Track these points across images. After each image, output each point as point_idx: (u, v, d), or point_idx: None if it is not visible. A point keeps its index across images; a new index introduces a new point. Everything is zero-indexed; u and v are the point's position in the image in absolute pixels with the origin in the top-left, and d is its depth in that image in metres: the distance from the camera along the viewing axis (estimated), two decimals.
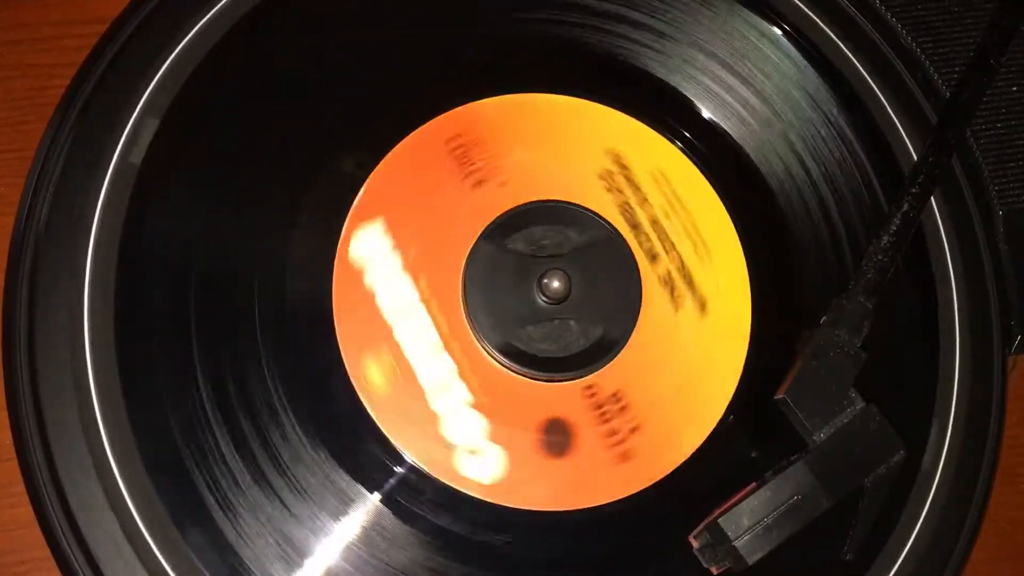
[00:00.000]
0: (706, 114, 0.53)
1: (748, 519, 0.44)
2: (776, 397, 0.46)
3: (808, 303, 0.52)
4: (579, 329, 0.50)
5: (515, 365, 0.49)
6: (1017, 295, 0.54)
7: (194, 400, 0.45)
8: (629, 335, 0.50)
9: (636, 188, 0.52)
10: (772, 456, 0.47)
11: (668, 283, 0.51)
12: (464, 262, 0.49)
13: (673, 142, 0.53)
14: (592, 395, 0.49)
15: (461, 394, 0.48)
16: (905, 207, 0.49)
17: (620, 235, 0.51)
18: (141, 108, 0.48)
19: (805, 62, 0.54)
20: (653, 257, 0.51)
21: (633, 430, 0.49)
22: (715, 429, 0.50)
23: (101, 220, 0.46)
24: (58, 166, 0.47)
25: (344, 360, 0.48)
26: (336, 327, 0.48)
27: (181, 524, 0.44)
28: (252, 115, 0.50)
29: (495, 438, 0.48)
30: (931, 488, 0.50)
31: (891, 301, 0.51)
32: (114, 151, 0.47)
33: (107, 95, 0.48)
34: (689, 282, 0.51)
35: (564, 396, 0.49)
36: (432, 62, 0.52)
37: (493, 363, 0.49)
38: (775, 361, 0.49)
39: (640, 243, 0.51)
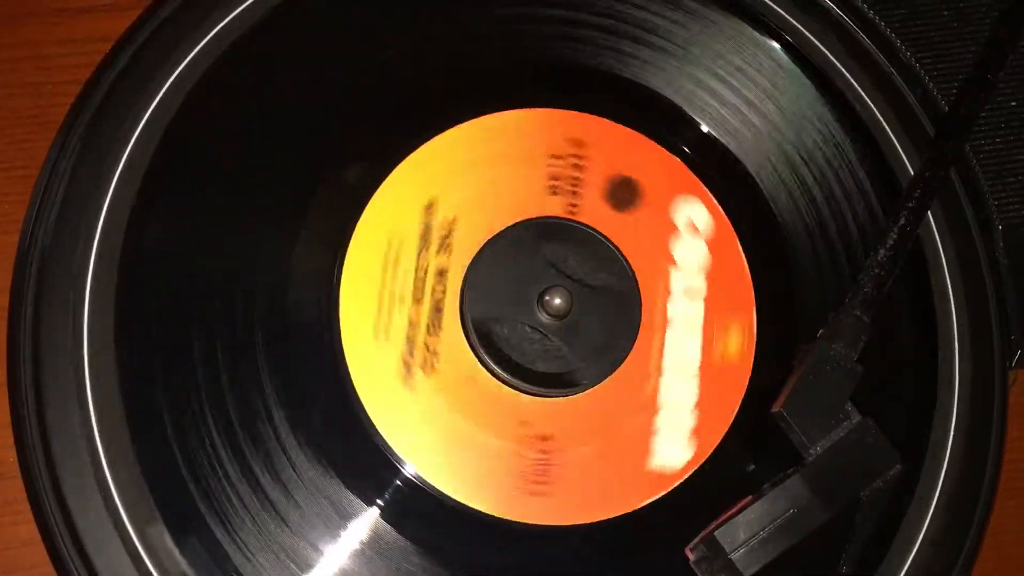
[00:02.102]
0: (705, 128, 0.54)
1: (745, 532, 0.44)
2: (773, 410, 0.47)
3: (807, 316, 0.52)
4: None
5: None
6: (1017, 309, 0.54)
7: (198, 423, 0.46)
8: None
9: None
10: (770, 469, 0.47)
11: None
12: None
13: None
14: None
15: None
16: (902, 221, 0.49)
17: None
18: (144, 125, 0.48)
19: (803, 76, 0.54)
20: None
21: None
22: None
23: (104, 237, 0.47)
24: (62, 184, 0.47)
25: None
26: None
27: (183, 543, 0.44)
28: (254, 131, 0.50)
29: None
30: (931, 502, 0.50)
31: (890, 315, 0.51)
32: (117, 168, 0.47)
33: (111, 113, 0.48)
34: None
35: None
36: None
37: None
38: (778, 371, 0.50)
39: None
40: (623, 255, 0.51)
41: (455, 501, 0.47)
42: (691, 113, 0.54)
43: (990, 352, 0.53)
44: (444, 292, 0.49)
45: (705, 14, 0.54)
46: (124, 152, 0.48)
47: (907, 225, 0.49)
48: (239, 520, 0.45)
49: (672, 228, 0.52)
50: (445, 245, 0.50)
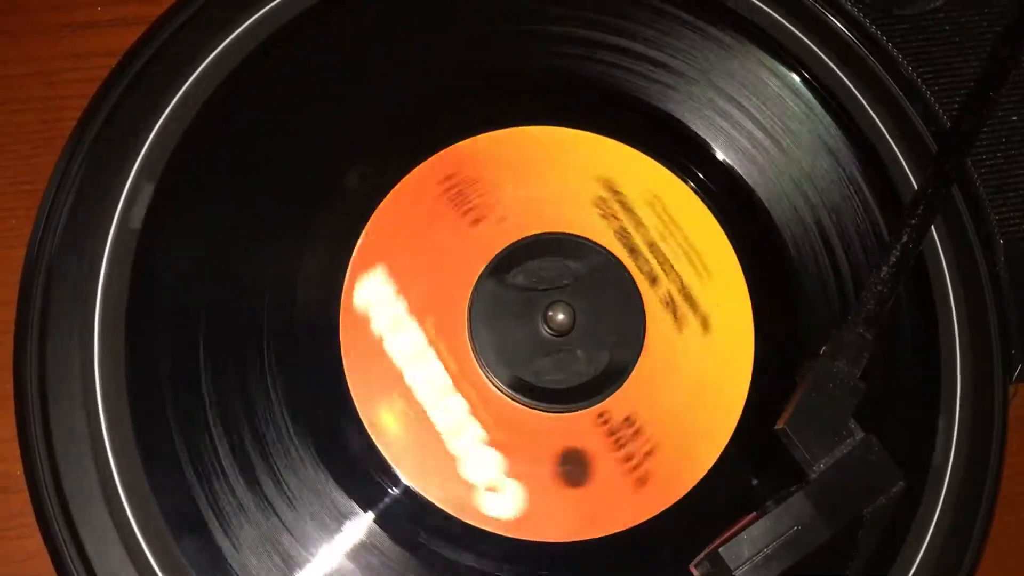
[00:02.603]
0: (700, 133, 0.54)
1: (748, 549, 0.44)
2: (776, 428, 0.47)
3: (809, 333, 0.52)
4: (586, 358, 0.50)
5: (526, 399, 0.49)
6: (1018, 324, 0.54)
7: (208, 443, 0.46)
8: (636, 359, 0.50)
9: (631, 212, 0.52)
10: (772, 483, 0.47)
11: (670, 304, 0.51)
12: (468, 301, 0.50)
13: (671, 167, 0.53)
14: (605, 422, 0.49)
15: (476, 432, 0.49)
16: (904, 238, 0.49)
17: (619, 261, 0.51)
18: (151, 140, 0.48)
19: (803, 88, 0.55)
20: (653, 280, 0.52)
21: (648, 453, 0.49)
22: (730, 441, 0.50)
23: (112, 252, 0.47)
24: (69, 199, 0.47)
25: (359, 411, 0.48)
26: (348, 379, 0.48)
27: (189, 552, 0.45)
28: (261, 145, 0.50)
29: (513, 473, 0.48)
30: (933, 516, 0.50)
31: (892, 330, 0.51)
32: (125, 183, 0.48)
33: (118, 128, 0.48)
34: (691, 301, 0.52)
35: (577, 426, 0.49)
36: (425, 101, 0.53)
37: (505, 399, 0.49)
38: (779, 380, 0.50)
39: (639, 267, 0.52)
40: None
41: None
42: (686, 121, 0.54)
43: (991, 366, 0.53)
44: None
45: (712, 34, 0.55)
46: (132, 167, 0.48)
47: (909, 242, 0.49)
48: (237, 523, 0.45)
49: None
50: None
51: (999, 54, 0.55)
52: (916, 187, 0.53)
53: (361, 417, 0.48)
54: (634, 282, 0.51)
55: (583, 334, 0.50)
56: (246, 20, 0.51)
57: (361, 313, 0.49)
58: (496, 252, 0.51)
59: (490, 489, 0.48)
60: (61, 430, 0.45)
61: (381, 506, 0.47)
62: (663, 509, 0.49)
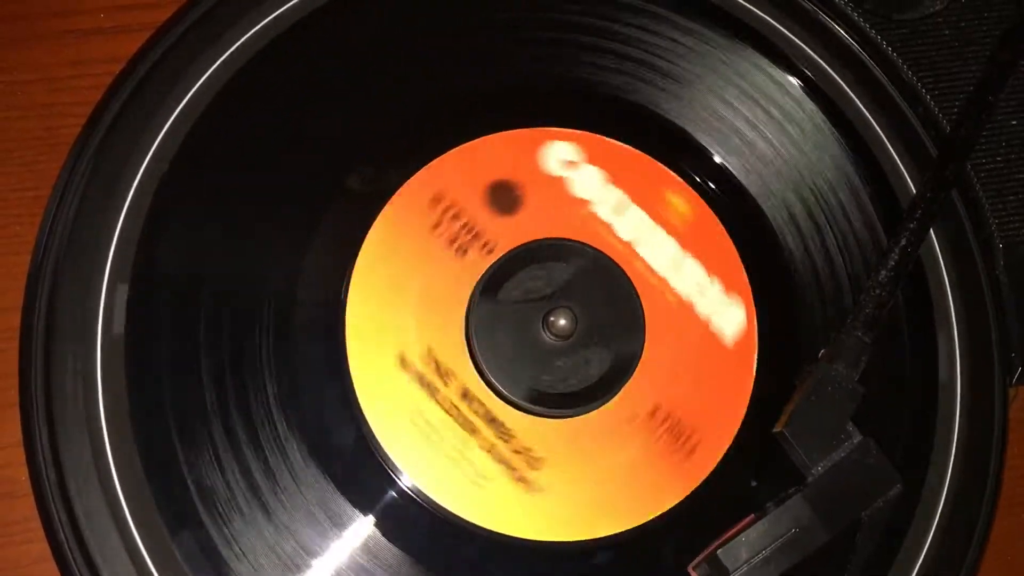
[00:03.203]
0: (697, 137, 0.54)
1: (746, 551, 0.44)
2: (775, 431, 0.47)
3: (808, 336, 0.52)
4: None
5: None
6: (1017, 327, 0.54)
7: (208, 442, 0.46)
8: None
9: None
10: (771, 486, 0.47)
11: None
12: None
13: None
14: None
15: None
16: (903, 242, 0.49)
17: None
18: (156, 146, 0.49)
19: (802, 93, 0.55)
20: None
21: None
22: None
23: (116, 258, 0.47)
24: (73, 205, 0.48)
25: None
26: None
27: (193, 556, 0.45)
28: (265, 151, 0.50)
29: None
30: (933, 519, 0.51)
31: (891, 334, 0.52)
32: (129, 189, 0.48)
33: (122, 134, 0.49)
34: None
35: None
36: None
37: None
38: (780, 383, 0.50)
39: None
40: (563, 239, 0.51)
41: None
42: (686, 128, 0.54)
43: (990, 369, 0.53)
44: None
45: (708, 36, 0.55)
46: (136, 173, 0.48)
47: (908, 246, 0.49)
48: (240, 527, 0.46)
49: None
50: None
51: (998, 58, 0.55)
52: (915, 191, 0.53)
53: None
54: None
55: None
56: (249, 26, 0.51)
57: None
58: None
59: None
60: (65, 435, 0.45)
61: (380, 507, 0.47)
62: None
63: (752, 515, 0.46)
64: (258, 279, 0.49)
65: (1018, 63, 0.55)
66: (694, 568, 0.46)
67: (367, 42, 0.53)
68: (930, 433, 0.52)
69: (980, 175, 0.56)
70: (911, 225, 0.50)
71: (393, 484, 0.48)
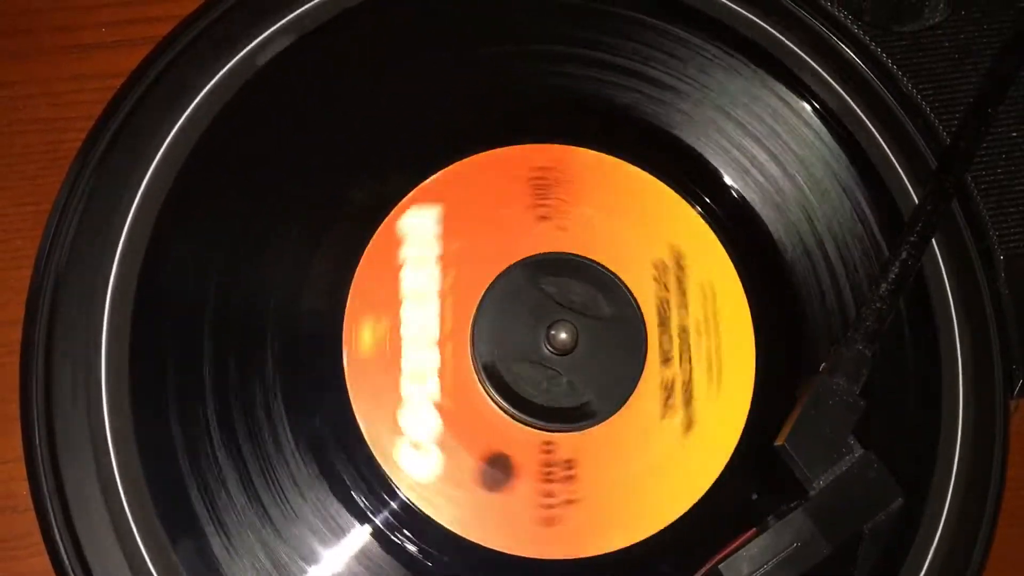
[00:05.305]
0: (707, 156, 0.54)
1: (748, 566, 0.44)
2: (776, 444, 0.47)
3: (809, 349, 0.52)
4: (567, 388, 0.50)
5: (491, 390, 0.49)
6: (1018, 339, 0.54)
7: (208, 455, 0.46)
8: (609, 416, 0.50)
9: (683, 293, 0.52)
10: (772, 499, 0.47)
11: (668, 390, 0.51)
12: (493, 278, 0.50)
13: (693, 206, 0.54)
14: (548, 451, 0.49)
15: (431, 390, 0.49)
16: (904, 255, 0.49)
17: (644, 325, 0.51)
18: (158, 160, 0.49)
19: (800, 103, 0.55)
20: (666, 360, 0.51)
21: (568, 502, 0.49)
22: (645, 539, 0.49)
23: (118, 273, 0.47)
24: (75, 220, 0.48)
25: (360, 425, 0.48)
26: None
27: (194, 572, 0.45)
28: (266, 163, 0.51)
29: (441, 443, 0.49)
30: (936, 532, 0.50)
31: (892, 346, 0.52)
32: (132, 203, 0.48)
33: (124, 148, 0.49)
34: (688, 400, 0.51)
35: (522, 440, 0.49)
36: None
37: (474, 378, 0.49)
38: (780, 397, 0.50)
39: (660, 342, 0.51)
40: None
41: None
42: (696, 148, 0.54)
43: (991, 381, 0.53)
44: None
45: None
46: (138, 187, 0.48)
47: (908, 259, 0.49)
48: (242, 538, 0.46)
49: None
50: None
51: (998, 70, 0.55)
52: (917, 201, 0.53)
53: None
54: (646, 349, 0.51)
55: (574, 366, 0.50)
56: (252, 40, 0.51)
57: (399, 234, 0.50)
58: (542, 252, 0.51)
59: (414, 445, 0.48)
60: (66, 450, 0.45)
61: (379, 517, 0.47)
62: (556, 558, 0.48)
63: (753, 529, 0.46)
64: (260, 291, 0.49)
65: (1018, 75, 0.55)
66: None
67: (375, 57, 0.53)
68: (932, 445, 0.52)
69: (980, 187, 0.56)
70: (911, 238, 0.50)
71: (393, 495, 0.48)
